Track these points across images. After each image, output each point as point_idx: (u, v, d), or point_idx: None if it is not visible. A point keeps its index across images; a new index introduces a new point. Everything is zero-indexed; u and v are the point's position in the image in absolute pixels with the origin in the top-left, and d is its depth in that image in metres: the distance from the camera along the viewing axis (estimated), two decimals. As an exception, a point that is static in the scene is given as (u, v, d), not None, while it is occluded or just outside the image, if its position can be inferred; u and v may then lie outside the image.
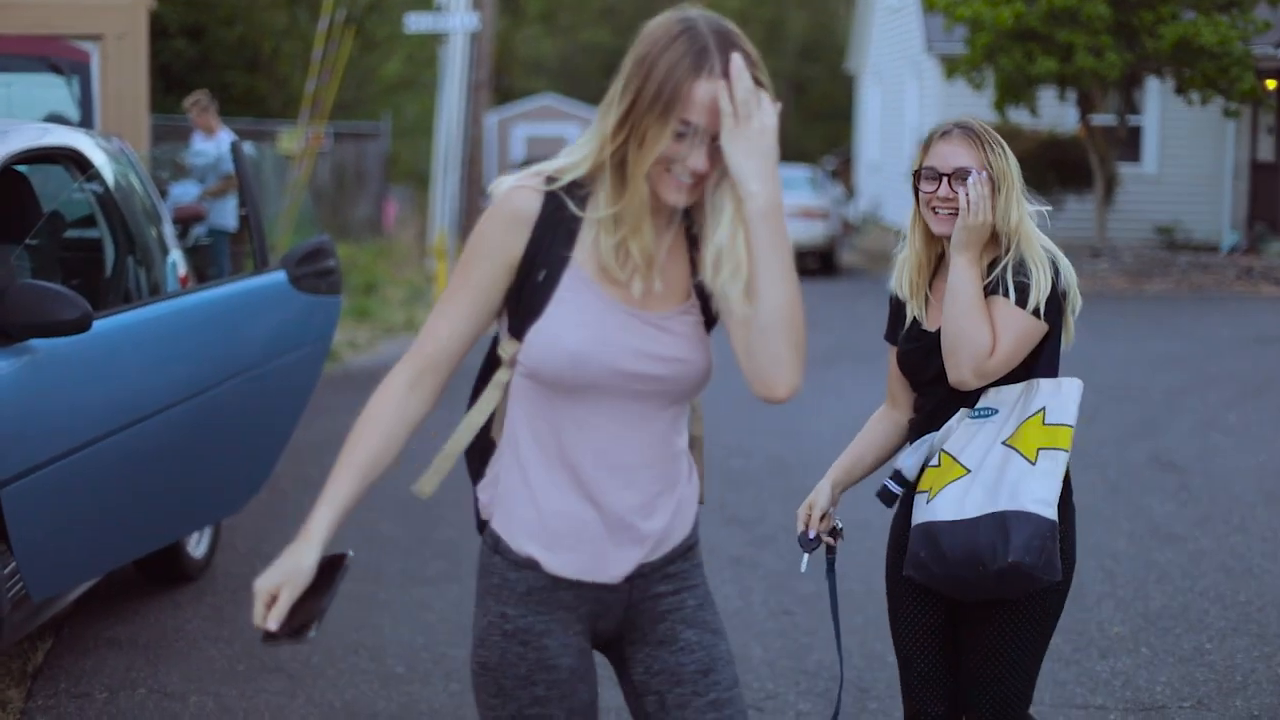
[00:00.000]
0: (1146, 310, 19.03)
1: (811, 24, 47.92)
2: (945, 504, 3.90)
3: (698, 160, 2.76)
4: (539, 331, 2.82)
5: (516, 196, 2.85)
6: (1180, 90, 22.72)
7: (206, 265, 14.19)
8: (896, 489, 4.09)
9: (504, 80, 39.83)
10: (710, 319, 2.93)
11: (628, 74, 2.77)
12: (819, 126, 45.60)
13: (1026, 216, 4.00)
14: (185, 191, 14.52)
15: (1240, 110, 23.45)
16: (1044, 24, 21.74)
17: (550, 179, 2.87)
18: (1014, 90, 22.65)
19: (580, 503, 2.88)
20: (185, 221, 12.48)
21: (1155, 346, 15.73)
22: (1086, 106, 23.27)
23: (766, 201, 2.74)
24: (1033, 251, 3.96)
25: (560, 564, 2.90)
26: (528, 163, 29.64)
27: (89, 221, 6.90)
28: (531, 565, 2.91)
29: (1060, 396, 3.94)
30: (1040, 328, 3.92)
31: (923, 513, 3.95)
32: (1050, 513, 3.82)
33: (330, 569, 2.85)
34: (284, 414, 7.09)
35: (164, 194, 13.64)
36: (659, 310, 2.89)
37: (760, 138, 2.72)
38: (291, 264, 6.83)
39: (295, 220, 19.62)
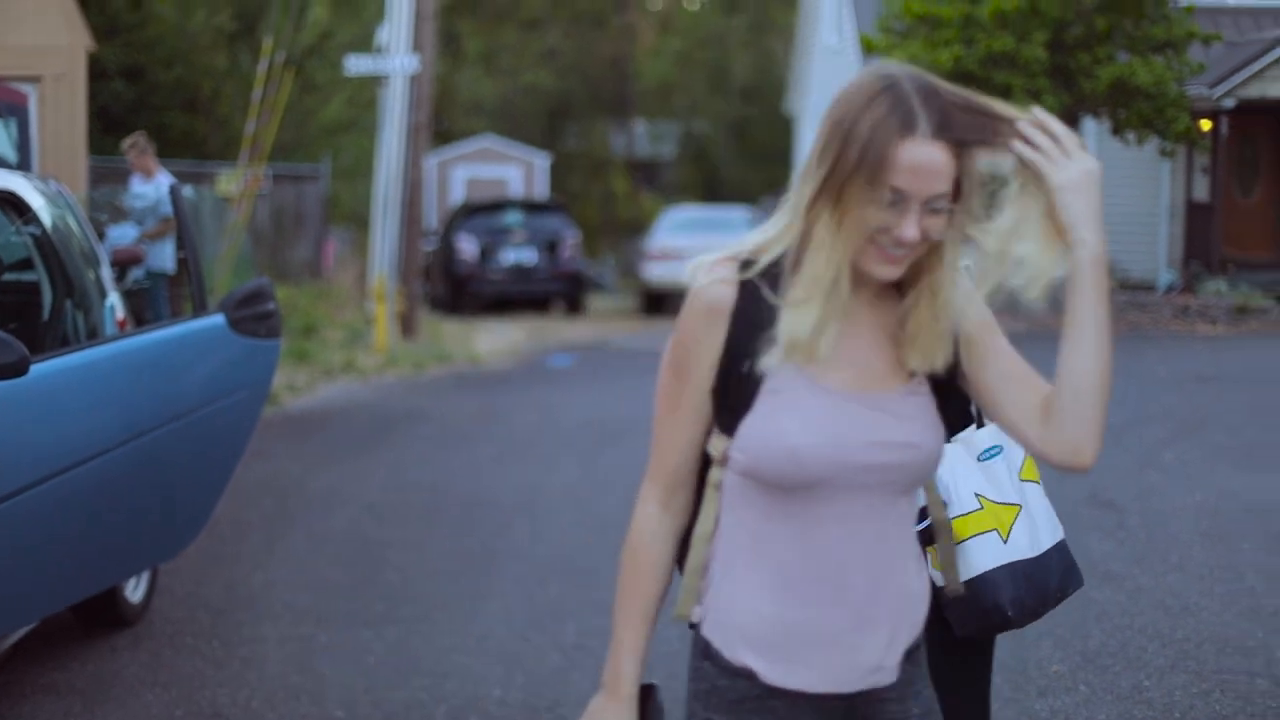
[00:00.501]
0: (1084, 350, 18.94)
1: (754, 66, 48.15)
2: (1023, 541, 3.95)
3: (909, 229, 2.54)
4: (753, 427, 2.62)
5: (709, 291, 2.65)
6: (1116, 131, 22.94)
7: (145, 308, 14.12)
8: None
9: (444, 122, 39.80)
10: (942, 396, 2.75)
11: (824, 138, 2.58)
12: (759, 167, 45.79)
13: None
14: (123, 234, 14.45)
15: (1175, 151, 23.68)
16: (982, 67, 21.93)
17: (744, 263, 2.67)
18: (951, 132, 22.78)
19: (803, 608, 2.66)
20: (123, 264, 12.40)
21: (1093, 386, 15.78)
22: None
23: (1098, 249, 2.59)
24: None
25: (779, 675, 2.66)
26: (466, 206, 29.47)
27: (26, 264, 6.86)
28: (746, 674, 2.68)
29: None
30: None
31: (1001, 553, 3.93)
32: None
33: (644, 704, 2.78)
34: (222, 458, 7.05)
35: (102, 236, 13.57)
36: (881, 391, 2.68)
37: (1087, 181, 2.57)
38: (230, 307, 6.80)
39: (234, 262, 19.54)
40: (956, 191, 2.59)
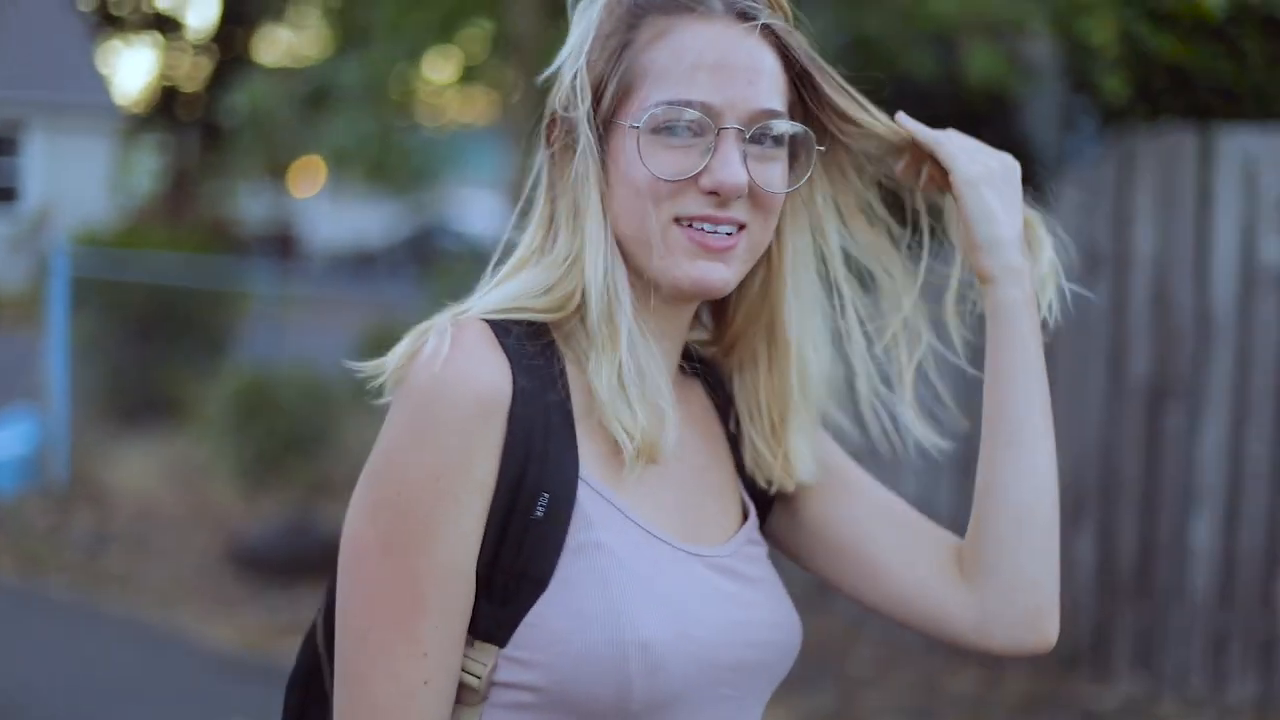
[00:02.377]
0: None
1: None
2: None
3: (729, 168, 1.53)
4: (561, 617, 1.50)
5: (468, 372, 1.48)
6: None
7: None
8: None
9: None
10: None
11: (560, 66, 1.62)
12: None
13: None
14: None
15: None
16: None
17: (505, 326, 1.55)
18: None
19: None
20: None
21: None
22: None
23: (1029, 281, 1.68)
24: None
25: None
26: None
27: None
28: None
29: None
30: None
31: None
32: None
33: None
34: None
35: None
36: (714, 542, 1.65)
37: (1008, 177, 1.70)
38: None
39: None
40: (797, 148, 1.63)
